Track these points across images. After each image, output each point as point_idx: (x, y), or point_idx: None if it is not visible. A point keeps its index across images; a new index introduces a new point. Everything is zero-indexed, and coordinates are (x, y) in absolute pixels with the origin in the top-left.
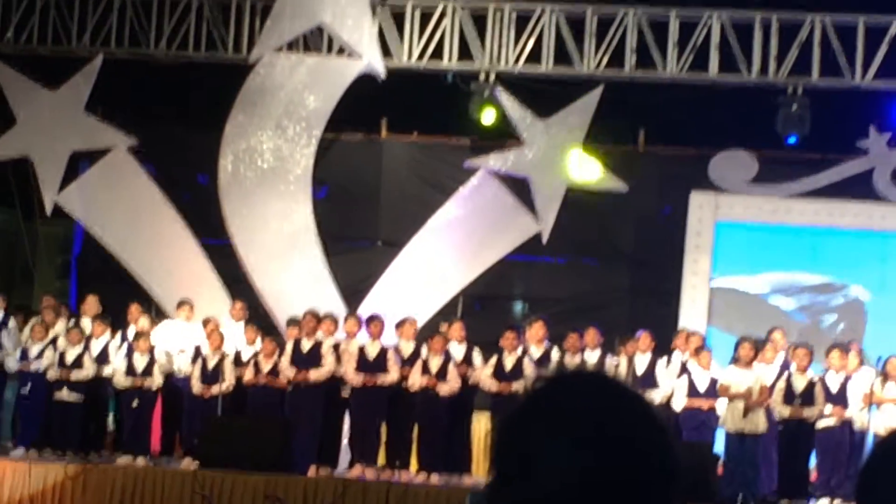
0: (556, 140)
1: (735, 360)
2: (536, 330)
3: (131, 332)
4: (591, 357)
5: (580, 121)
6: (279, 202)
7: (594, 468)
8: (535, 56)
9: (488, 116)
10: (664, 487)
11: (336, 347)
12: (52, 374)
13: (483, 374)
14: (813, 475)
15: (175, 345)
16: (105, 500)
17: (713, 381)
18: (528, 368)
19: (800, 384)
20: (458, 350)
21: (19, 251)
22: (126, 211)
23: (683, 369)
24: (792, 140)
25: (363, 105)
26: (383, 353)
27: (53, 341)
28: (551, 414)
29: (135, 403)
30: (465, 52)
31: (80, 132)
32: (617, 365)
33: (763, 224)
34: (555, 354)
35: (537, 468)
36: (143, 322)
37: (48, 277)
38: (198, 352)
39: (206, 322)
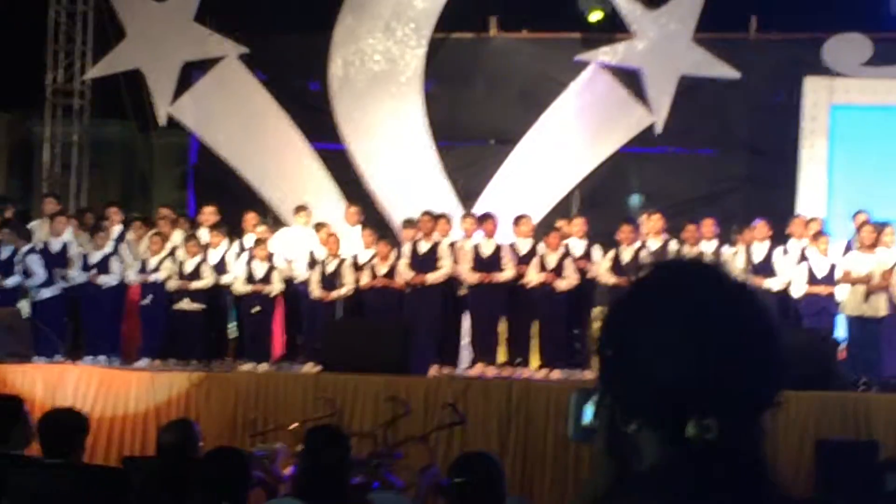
0: (666, 30)
1: (855, 244)
2: (654, 222)
3: (248, 240)
4: (709, 247)
5: (690, 10)
6: (391, 104)
7: (698, 360)
8: None
9: (596, 16)
10: (769, 382)
11: (452, 247)
12: (172, 285)
13: (601, 268)
14: None
15: (293, 251)
16: (229, 406)
17: (832, 267)
18: (647, 261)
19: None
20: (577, 245)
21: (136, 163)
22: (239, 119)
23: (802, 256)
24: None
25: (472, 4)
26: (499, 251)
27: (172, 252)
28: (655, 304)
29: (255, 310)
30: None
31: (190, 42)
32: (735, 254)
33: (879, 105)
34: (672, 246)
35: (640, 360)
36: (261, 229)
37: (165, 188)
38: (315, 257)
39: (320, 227)
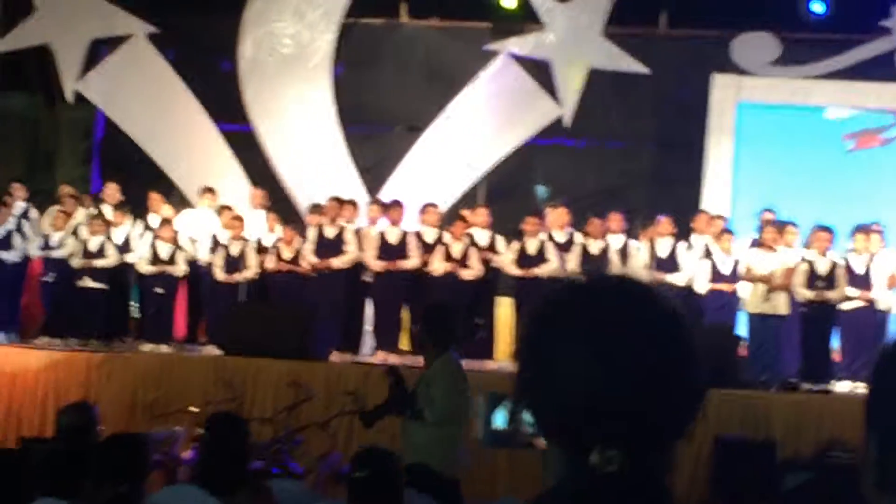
0: (576, 23)
1: (758, 242)
2: (558, 215)
3: (153, 219)
4: (615, 242)
5: (601, 4)
6: (300, 88)
7: (608, 385)
8: None
9: (510, 2)
10: (684, 413)
11: (358, 233)
12: (76, 263)
13: (505, 259)
14: (836, 357)
15: (198, 232)
16: (130, 387)
17: (736, 264)
18: (551, 253)
19: (822, 266)
20: (482, 236)
21: (40, 137)
22: (146, 98)
23: (706, 252)
24: (819, 10)
25: None
26: (404, 238)
27: (75, 230)
28: (571, 322)
29: (158, 291)
30: None
31: (99, 19)
32: (639, 248)
33: (786, 104)
34: (577, 239)
35: (551, 378)
36: (166, 209)
37: (70, 164)
38: (219, 239)
39: (224, 209)
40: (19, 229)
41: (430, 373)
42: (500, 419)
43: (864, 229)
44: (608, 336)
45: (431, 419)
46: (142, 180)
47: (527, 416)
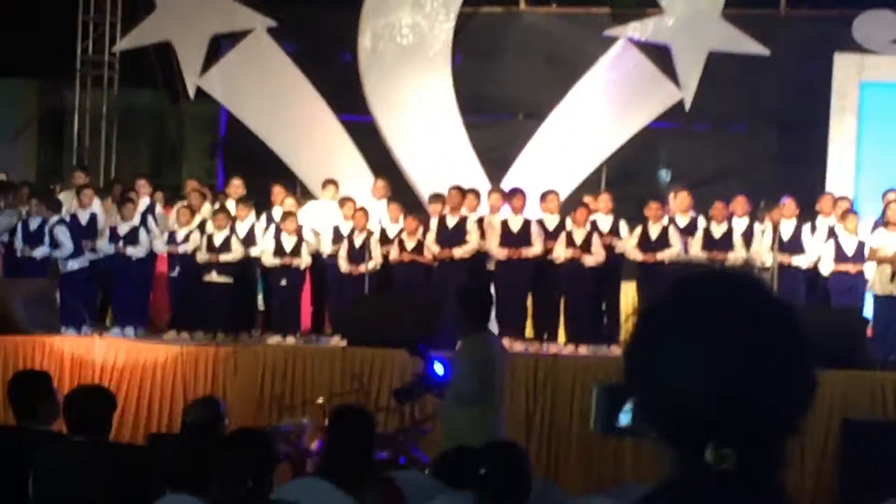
0: (696, 6)
1: (883, 223)
2: (681, 199)
3: (276, 212)
4: (739, 225)
5: None
6: (419, 78)
7: (723, 383)
8: None
9: None
10: (797, 409)
11: (480, 222)
12: (201, 258)
13: (628, 244)
14: None
15: (321, 224)
16: (256, 379)
17: (861, 245)
18: (674, 238)
19: None
20: (604, 221)
21: (166, 133)
22: (267, 92)
23: (830, 234)
24: None
25: None
26: (527, 225)
27: (200, 225)
28: (686, 318)
29: (283, 283)
30: None
31: (219, 15)
32: (763, 231)
33: None
34: (700, 223)
35: (665, 375)
36: (290, 202)
37: (195, 159)
38: (341, 231)
39: (346, 201)
40: (145, 225)
41: (459, 353)
42: (625, 418)
43: None
44: (718, 332)
45: (453, 399)
46: (265, 174)
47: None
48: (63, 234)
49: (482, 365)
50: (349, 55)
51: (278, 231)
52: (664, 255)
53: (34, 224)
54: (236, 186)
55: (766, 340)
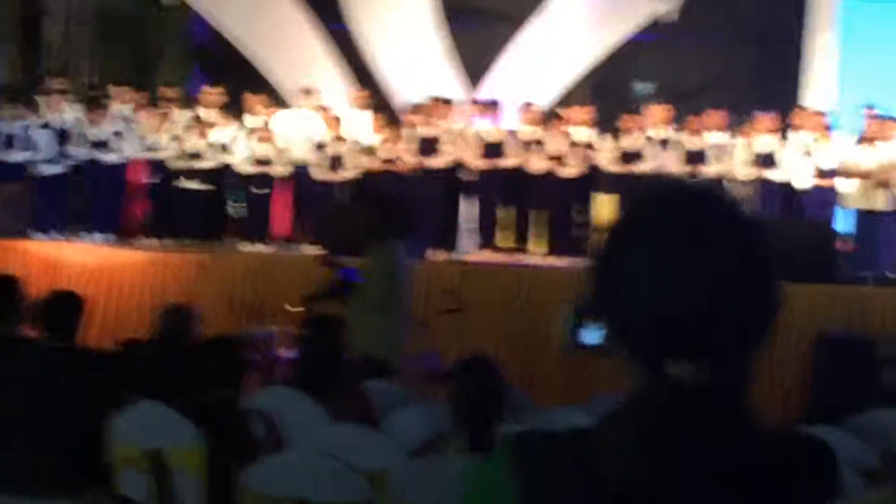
0: None
1: (860, 138)
2: (658, 112)
3: (253, 120)
4: (715, 139)
5: None
6: None
7: (692, 295)
8: None
9: None
10: (763, 322)
11: (456, 132)
12: (176, 165)
13: (604, 156)
14: None
15: (297, 133)
16: (228, 286)
17: (837, 160)
18: (650, 151)
19: None
20: (581, 134)
21: (144, 39)
22: None
23: (807, 148)
24: None
25: None
26: (503, 137)
27: (175, 132)
28: (655, 231)
29: (257, 191)
30: None
31: None
32: (740, 145)
33: None
34: (676, 136)
35: (633, 288)
36: (266, 110)
37: (172, 66)
38: (319, 140)
39: (324, 109)
40: (120, 131)
41: (366, 262)
42: (594, 336)
43: None
44: (683, 246)
45: (361, 307)
46: (241, 81)
47: (603, 327)
48: (40, 138)
49: (390, 274)
50: None
51: (255, 139)
52: (639, 169)
53: (11, 128)
54: (211, 93)
55: (730, 255)
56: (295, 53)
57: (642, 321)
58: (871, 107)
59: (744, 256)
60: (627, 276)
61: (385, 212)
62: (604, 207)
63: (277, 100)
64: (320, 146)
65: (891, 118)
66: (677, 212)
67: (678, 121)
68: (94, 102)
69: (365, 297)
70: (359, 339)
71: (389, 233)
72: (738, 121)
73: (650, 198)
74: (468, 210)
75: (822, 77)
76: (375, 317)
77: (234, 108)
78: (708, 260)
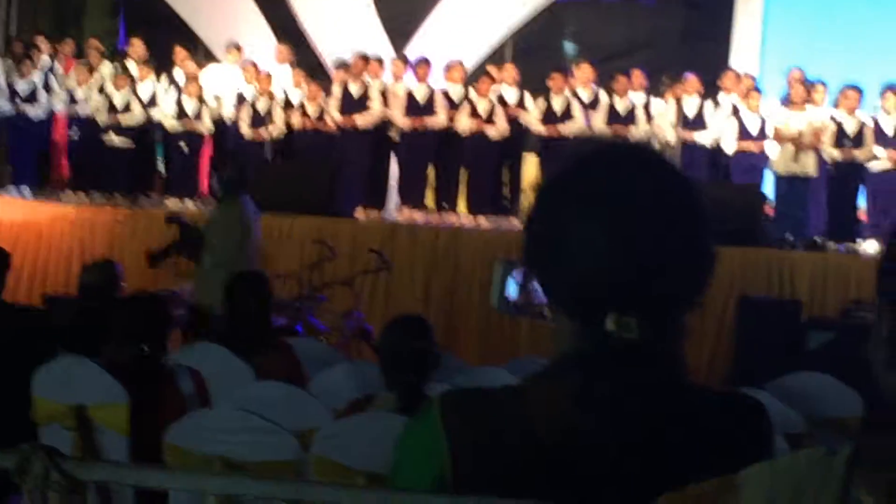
0: None
1: (786, 101)
2: (584, 72)
3: (178, 75)
4: (637, 99)
5: None
6: None
7: (626, 253)
8: None
9: None
10: (698, 281)
11: (384, 90)
12: (102, 119)
13: (531, 116)
14: (862, 217)
15: (224, 88)
16: (153, 242)
17: (763, 123)
18: (577, 111)
19: (850, 126)
20: (510, 93)
21: None
22: None
23: (734, 111)
24: None
25: None
26: (431, 95)
27: (101, 86)
28: (589, 190)
29: (184, 147)
30: None
31: None
32: (666, 106)
33: None
34: (603, 97)
35: (567, 245)
36: (192, 65)
37: (96, 18)
38: (245, 96)
39: (247, 65)
40: (45, 84)
41: (211, 217)
42: (511, 288)
43: (894, 88)
44: (620, 203)
45: (207, 261)
46: (167, 35)
47: (537, 286)
48: None
49: (239, 229)
50: None
51: (180, 94)
52: (567, 129)
53: None
54: (137, 47)
55: (668, 212)
56: (221, 8)
57: (582, 278)
58: (796, 69)
59: (684, 214)
60: (566, 233)
61: (239, 167)
62: (532, 167)
63: (204, 54)
64: (247, 102)
65: (816, 81)
66: (617, 168)
67: (605, 81)
68: (23, 55)
69: (212, 251)
70: (205, 292)
71: (240, 187)
72: (665, 82)
73: (587, 155)
74: (397, 169)
75: (748, 40)
76: (222, 270)
77: (160, 62)
78: (649, 217)
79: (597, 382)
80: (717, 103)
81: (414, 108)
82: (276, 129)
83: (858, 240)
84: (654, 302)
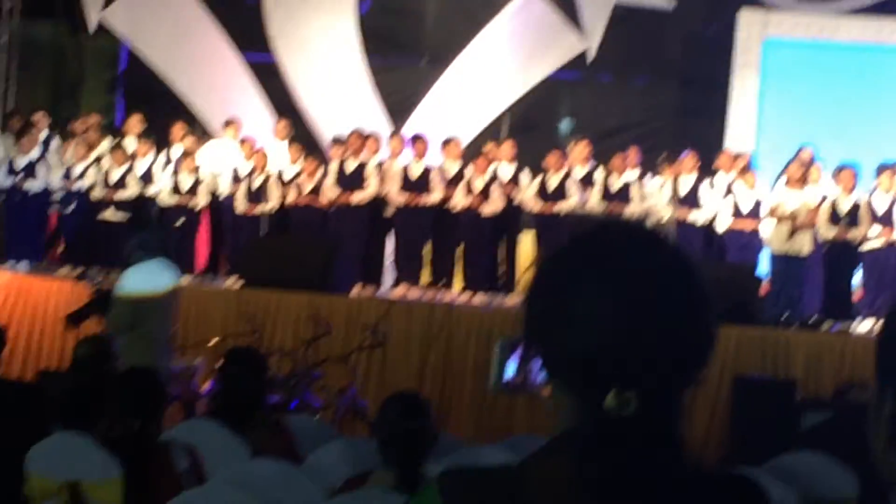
0: None
1: (783, 180)
2: (580, 150)
3: (176, 150)
4: (633, 177)
5: None
6: (324, 19)
7: (626, 329)
8: None
9: None
10: (697, 358)
11: (380, 167)
12: (97, 194)
13: (526, 194)
14: (857, 296)
15: (220, 164)
16: None
17: (758, 202)
18: (572, 189)
19: (845, 205)
20: (506, 170)
21: (66, 66)
22: (170, 28)
23: (728, 190)
24: None
25: None
26: (427, 172)
27: (97, 160)
28: (589, 265)
29: (180, 223)
30: None
31: None
32: (662, 185)
33: (812, 41)
34: (598, 175)
35: (566, 321)
36: (189, 141)
37: (94, 93)
38: (240, 171)
39: (246, 141)
40: (43, 158)
41: (119, 282)
42: (510, 370)
43: (889, 168)
44: (623, 279)
45: (111, 323)
46: (165, 111)
47: (536, 364)
48: None
49: (136, 293)
50: None
51: (177, 169)
52: (562, 206)
53: None
54: (135, 123)
55: (668, 290)
56: (219, 84)
57: (582, 353)
58: (807, 148)
59: (684, 291)
60: (566, 309)
61: (156, 230)
62: (528, 245)
63: (202, 130)
64: (242, 178)
65: (809, 161)
66: (618, 247)
67: (600, 159)
68: (22, 129)
69: (116, 314)
70: (122, 354)
71: (155, 250)
72: (660, 160)
73: (587, 232)
74: (393, 246)
75: (744, 119)
76: (129, 332)
77: (158, 138)
78: (649, 293)
79: (594, 462)
80: (712, 182)
81: (409, 184)
82: (271, 204)
83: (853, 320)
84: (654, 379)
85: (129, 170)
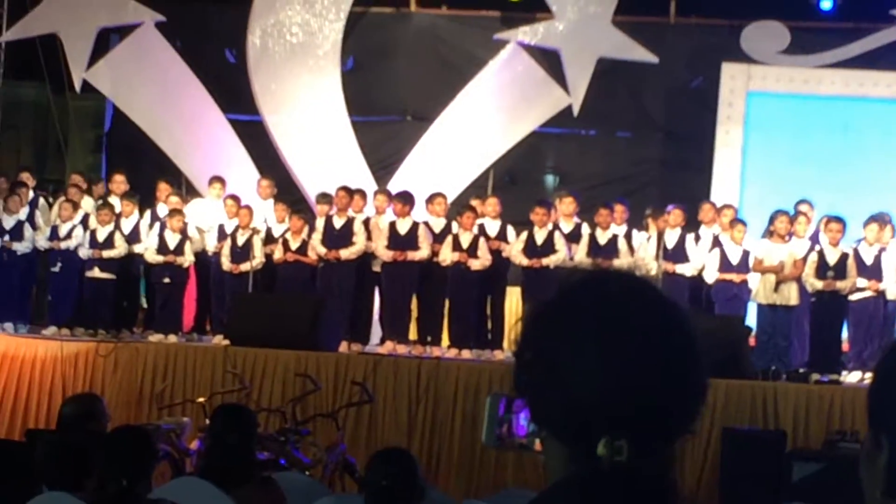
0: (586, 12)
1: (769, 233)
2: (566, 205)
3: (161, 209)
4: (620, 232)
5: None
6: (308, 77)
7: (617, 378)
8: None
9: None
10: (689, 408)
11: (366, 223)
12: (84, 253)
13: (513, 249)
14: (845, 347)
15: (206, 222)
16: (136, 377)
17: (745, 255)
18: (559, 243)
19: (832, 257)
20: (492, 225)
21: (51, 126)
22: (155, 87)
23: (715, 242)
24: (826, 7)
25: None
26: (414, 228)
27: (83, 220)
28: (579, 316)
29: (166, 281)
30: None
31: (108, 8)
32: (648, 239)
33: (795, 94)
34: (585, 230)
35: (558, 371)
36: (175, 199)
37: (80, 153)
38: (226, 229)
39: (231, 199)
40: (30, 219)
41: None
42: (501, 421)
43: (878, 219)
44: (611, 329)
45: None
46: (150, 170)
47: (525, 419)
48: None
49: None
50: (234, 54)
51: (162, 228)
52: (549, 261)
53: None
54: (120, 182)
55: (659, 339)
56: (204, 143)
57: (574, 402)
58: (805, 202)
59: (675, 341)
60: (557, 359)
61: None
62: (516, 300)
63: (187, 188)
64: (228, 235)
65: (795, 214)
66: (608, 297)
67: (584, 211)
68: (10, 190)
69: None
70: None
71: None
72: (645, 214)
73: (577, 283)
74: (379, 302)
75: (729, 171)
76: None
77: (143, 197)
78: (641, 343)
79: None
80: (698, 235)
81: (396, 240)
82: (257, 261)
83: (842, 371)
84: (646, 427)
85: (116, 228)
